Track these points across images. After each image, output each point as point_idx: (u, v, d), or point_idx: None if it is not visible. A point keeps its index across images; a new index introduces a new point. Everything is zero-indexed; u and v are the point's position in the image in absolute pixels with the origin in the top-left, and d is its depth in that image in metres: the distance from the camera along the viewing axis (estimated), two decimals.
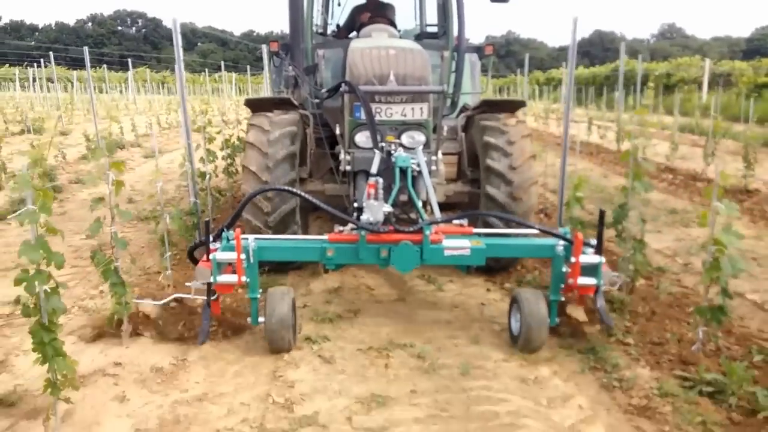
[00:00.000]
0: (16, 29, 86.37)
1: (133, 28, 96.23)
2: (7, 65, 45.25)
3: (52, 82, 29.69)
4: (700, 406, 2.70)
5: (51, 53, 14.39)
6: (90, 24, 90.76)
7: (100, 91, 31.32)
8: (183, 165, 5.01)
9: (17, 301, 2.42)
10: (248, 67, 23.96)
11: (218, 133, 6.36)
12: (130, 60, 24.04)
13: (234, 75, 26.83)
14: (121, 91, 35.08)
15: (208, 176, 5.46)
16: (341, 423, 2.69)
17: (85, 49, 11.11)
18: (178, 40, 4.54)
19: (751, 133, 7.47)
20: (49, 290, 2.41)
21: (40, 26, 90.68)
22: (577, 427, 2.66)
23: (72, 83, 31.02)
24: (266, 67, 9.69)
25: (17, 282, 2.35)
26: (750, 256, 5.11)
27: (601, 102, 19.90)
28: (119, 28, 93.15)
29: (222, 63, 14.19)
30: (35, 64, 26.71)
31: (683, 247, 5.43)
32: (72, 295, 4.15)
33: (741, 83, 19.13)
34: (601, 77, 33.05)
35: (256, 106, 4.63)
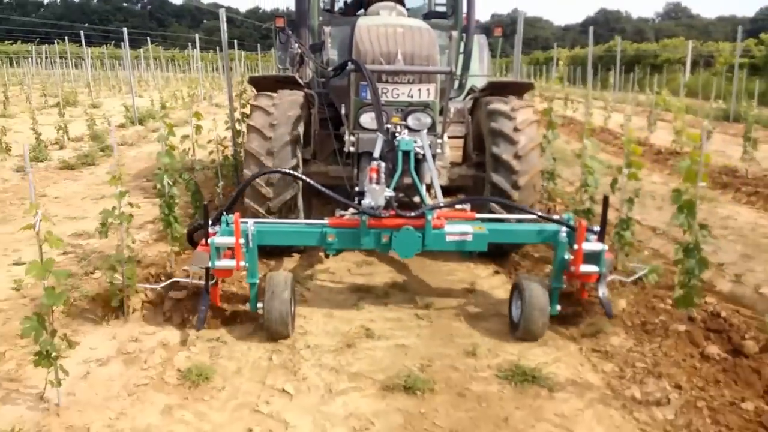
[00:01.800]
0: (22, 5, 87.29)
1: (139, 5, 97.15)
2: (19, 42, 46.64)
3: (63, 59, 31.35)
4: None
5: (81, 32, 15.95)
6: (95, 0, 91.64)
7: (113, 68, 32.93)
8: (225, 124, 6.65)
9: (154, 187, 4.09)
10: (258, 45, 25.36)
11: (248, 102, 7.96)
12: (148, 38, 25.55)
13: (242, 53, 28.27)
14: (124, 68, 36.17)
15: (242, 134, 7.10)
16: (345, 271, 4.43)
17: (125, 30, 12.64)
18: (224, 27, 6.12)
19: (680, 104, 9.07)
20: (170, 183, 4.10)
21: (46, 2, 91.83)
22: (488, 280, 4.37)
23: (84, 60, 32.72)
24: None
25: (154, 174, 4.02)
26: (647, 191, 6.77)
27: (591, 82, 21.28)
28: (124, 4, 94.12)
29: (235, 41, 15.65)
30: (54, 42, 28.19)
31: (602, 189, 7.11)
32: (142, 220, 5.84)
33: (718, 63, 20.56)
34: (595, 57, 34.28)
35: (260, 84, 4.62)
